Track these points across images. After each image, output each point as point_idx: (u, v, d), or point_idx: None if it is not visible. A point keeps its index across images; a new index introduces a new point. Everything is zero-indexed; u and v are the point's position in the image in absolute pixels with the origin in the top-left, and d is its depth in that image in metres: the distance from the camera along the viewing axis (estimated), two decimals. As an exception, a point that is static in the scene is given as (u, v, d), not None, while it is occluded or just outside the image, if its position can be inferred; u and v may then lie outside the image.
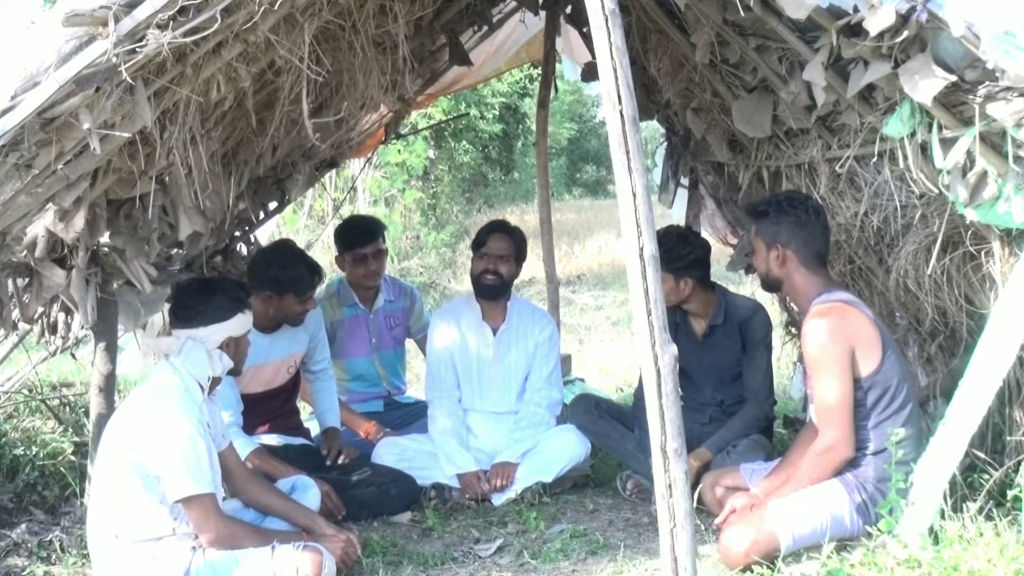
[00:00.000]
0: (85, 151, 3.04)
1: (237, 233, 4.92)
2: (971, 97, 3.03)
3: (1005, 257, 3.29)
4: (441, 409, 4.64)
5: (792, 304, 5.06)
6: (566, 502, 4.41)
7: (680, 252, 4.18)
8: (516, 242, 4.67)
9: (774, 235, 3.56)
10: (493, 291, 4.65)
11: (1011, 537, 2.90)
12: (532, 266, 12.91)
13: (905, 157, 3.35)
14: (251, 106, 3.73)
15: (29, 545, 3.86)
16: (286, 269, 4.23)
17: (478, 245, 4.66)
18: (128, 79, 2.85)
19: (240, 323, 3.44)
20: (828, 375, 3.34)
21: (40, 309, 3.84)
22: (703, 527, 3.59)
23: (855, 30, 3.26)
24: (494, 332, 4.69)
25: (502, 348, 4.69)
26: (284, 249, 4.41)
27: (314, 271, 4.33)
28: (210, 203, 3.90)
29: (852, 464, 3.41)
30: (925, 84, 3.07)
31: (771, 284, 3.71)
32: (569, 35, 5.62)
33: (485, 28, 5.28)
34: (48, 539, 3.88)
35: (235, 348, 3.44)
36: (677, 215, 5.68)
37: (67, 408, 5.35)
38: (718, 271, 5.51)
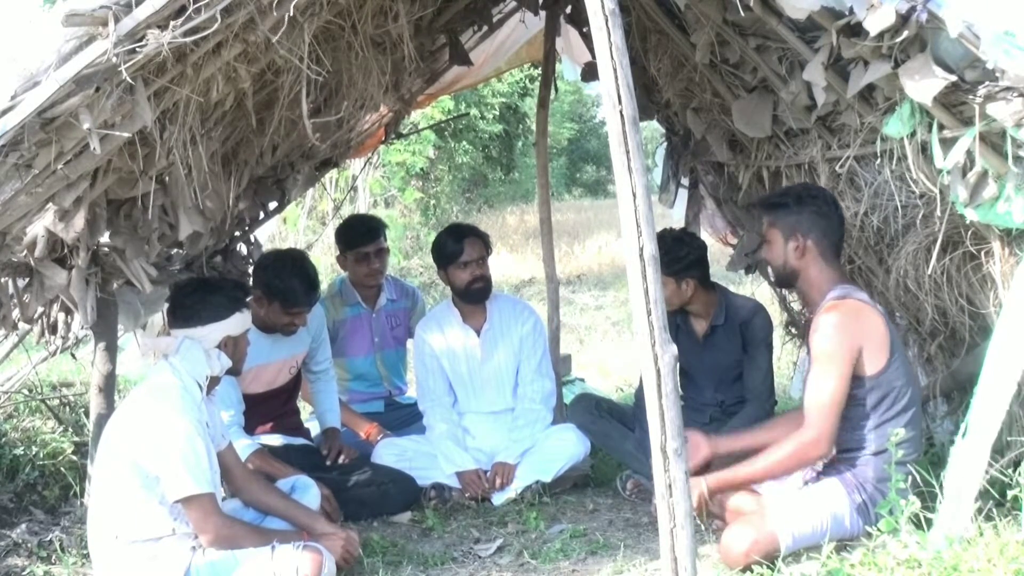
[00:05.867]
0: (85, 151, 3.04)
1: (237, 233, 4.92)
2: (971, 97, 3.03)
3: (1005, 257, 3.29)
4: (435, 416, 4.64)
5: (795, 302, 5.06)
6: (566, 502, 4.41)
7: (678, 254, 4.18)
8: (485, 240, 4.69)
9: (794, 225, 3.51)
10: (484, 294, 4.65)
11: (1011, 537, 2.89)
12: (532, 266, 12.98)
13: (905, 157, 3.35)
14: (251, 106, 3.73)
15: (29, 545, 3.86)
16: (280, 278, 4.20)
17: (455, 255, 4.56)
18: (128, 79, 2.85)
19: (238, 322, 3.44)
20: (828, 371, 3.33)
21: (40, 309, 3.84)
22: (703, 527, 3.59)
23: (855, 30, 3.26)
24: (477, 332, 4.69)
25: (488, 347, 4.69)
26: (289, 259, 4.34)
27: (309, 289, 4.27)
28: (210, 203, 3.90)
29: (852, 464, 3.41)
30: (925, 84, 3.06)
31: (786, 277, 3.63)
32: (569, 35, 5.61)
33: (485, 28, 5.28)
34: (48, 539, 3.89)
35: (233, 347, 3.44)
36: (677, 215, 5.68)
37: (67, 408, 5.35)
38: (718, 271, 5.51)
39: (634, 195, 2.59)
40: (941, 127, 3.19)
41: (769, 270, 3.87)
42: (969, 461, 3.04)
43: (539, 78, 5.57)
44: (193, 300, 3.40)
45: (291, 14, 3.03)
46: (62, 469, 4.51)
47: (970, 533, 2.96)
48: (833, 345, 3.33)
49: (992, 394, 3.03)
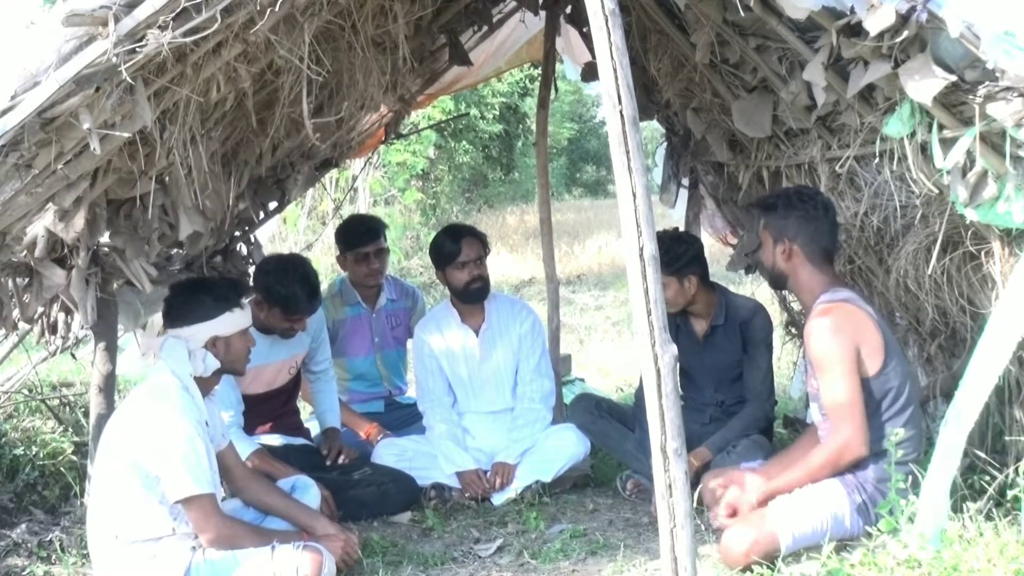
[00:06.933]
0: (85, 151, 3.04)
1: (237, 233, 4.91)
2: (971, 97, 3.03)
3: (1005, 257, 3.29)
4: (435, 417, 4.64)
5: (795, 303, 5.07)
6: (566, 502, 4.41)
7: (677, 252, 4.18)
8: (482, 240, 4.68)
9: (781, 229, 3.55)
10: (483, 294, 4.64)
11: (1011, 537, 2.90)
12: (532, 266, 12.98)
13: (905, 157, 3.35)
14: (251, 106, 3.73)
15: (29, 545, 3.86)
16: (282, 284, 4.19)
17: (452, 255, 4.55)
18: (128, 79, 2.85)
19: (227, 322, 3.39)
20: (836, 373, 3.33)
21: (40, 309, 3.84)
22: (703, 527, 3.59)
23: (855, 30, 3.26)
24: (476, 332, 4.69)
25: (487, 346, 4.69)
26: (290, 265, 4.32)
27: (311, 297, 4.26)
28: (210, 203, 3.90)
29: (854, 465, 3.41)
30: (925, 84, 3.06)
31: (776, 279, 3.70)
32: (569, 35, 5.61)
33: (485, 28, 5.28)
34: (48, 539, 3.89)
35: (225, 348, 3.40)
36: (678, 215, 5.68)
37: (67, 408, 5.35)
38: (718, 271, 5.51)
39: (634, 195, 2.59)
40: (941, 127, 3.19)
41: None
42: (945, 454, 3.04)
43: (539, 78, 5.57)
44: (180, 300, 3.39)
45: (281, 9, 3.01)
46: (62, 469, 4.51)
47: (949, 527, 2.95)
48: (833, 347, 3.34)
49: (972, 387, 3.03)
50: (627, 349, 7.93)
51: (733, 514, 3.54)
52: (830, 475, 3.40)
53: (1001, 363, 3.00)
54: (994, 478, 3.14)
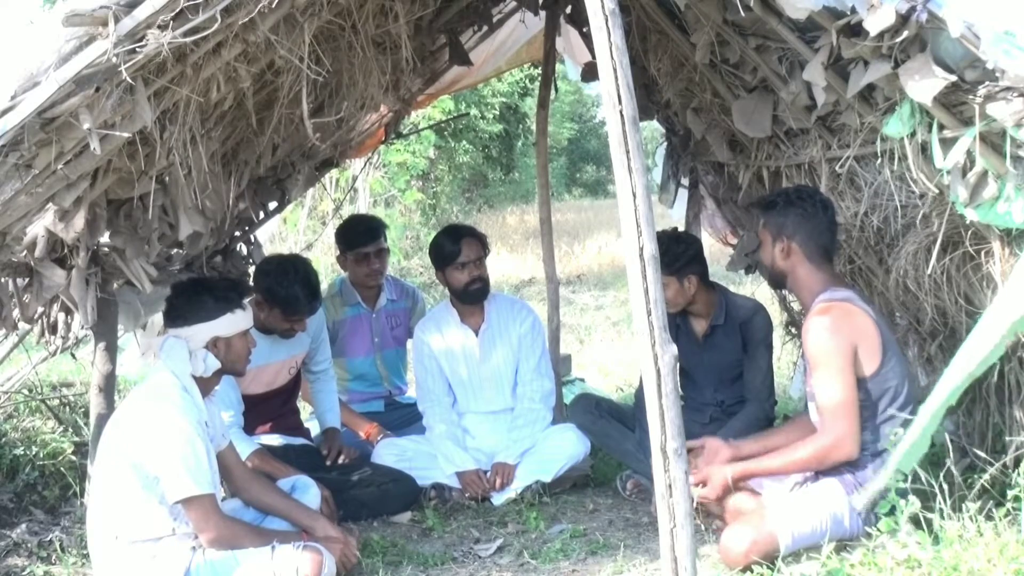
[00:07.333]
0: (85, 151, 3.04)
1: (237, 233, 4.92)
2: (971, 97, 3.03)
3: (1005, 257, 3.29)
4: (435, 417, 4.64)
5: (795, 303, 5.07)
6: (566, 502, 4.41)
7: (677, 252, 4.18)
8: (482, 240, 4.68)
9: (780, 227, 3.56)
10: (482, 295, 4.65)
11: (1011, 537, 2.89)
12: (532, 266, 12.99)
13: (905, 157, 3.35)
14: (251, 106, 3.73)
15: (29, 545, 3.87)
16: (283, 285, 4.19)
17: (452, 256, 4.55)
18: (128, 79, 2.85)
19: (228, 323, 3.39)
20: (832, 372, 3.33)
21: (40, 309, 3.84)
22: (703, 527, 3.59)
23: (855, 30, 3.26)
24: (476, 332, 4.69)
25: (487, 346, 4.69)
26: (291, 266, 4.32)
27: (311, 298, 4.27)
28: (210, 203, 3.90)
29: (852, 465, 3.41)
30: (925, 84, 3.06)
31: (776, 278, 3.71)
32: (569, 35, 5.62)
33: (485, 28, 5.28)
34: (48, 539, 3.89)
35: (226, 348, 3.41)
36: (677, 215, 5.69)
37: (67, 408, 5.35)
38: (718, 271, 5.51)
39: (634, 195, 2.59)
40: (941, 127, 3.19)
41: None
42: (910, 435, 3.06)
43: (539, 78, 5.57)
44: (181, 300, 3.39)
45: (281, 9, 3.01)
46: (62, 469, 4.51)
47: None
48: (829, 346, 3.34)
49: (952, 375, 3.03)
50: (627, 349, 7.93)
51: (702, 484, 3.55)
52: (812, 470, 3.41)
53: (983, 353, 2.98)
54: (994, 478, 3.14)
